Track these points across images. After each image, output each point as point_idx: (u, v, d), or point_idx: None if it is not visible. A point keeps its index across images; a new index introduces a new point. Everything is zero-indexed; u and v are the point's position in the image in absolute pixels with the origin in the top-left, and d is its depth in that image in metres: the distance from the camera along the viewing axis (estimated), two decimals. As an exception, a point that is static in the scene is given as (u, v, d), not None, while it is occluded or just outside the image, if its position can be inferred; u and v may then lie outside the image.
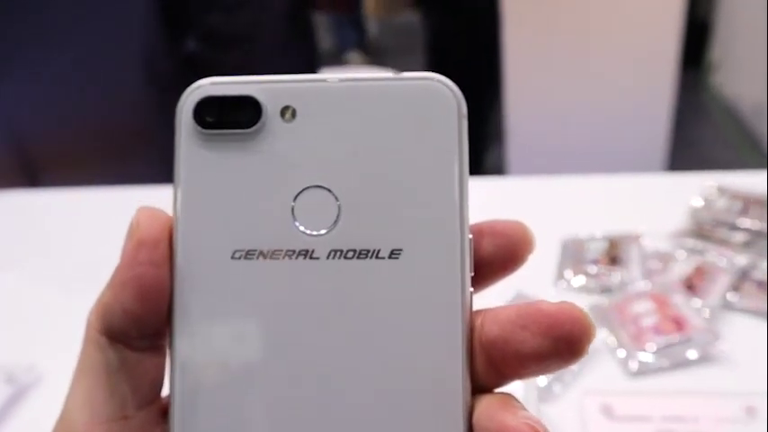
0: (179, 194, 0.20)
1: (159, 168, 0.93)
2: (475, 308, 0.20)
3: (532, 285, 0.60)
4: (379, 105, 0.20)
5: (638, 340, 0.54)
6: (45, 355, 0.63)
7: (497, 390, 0.19)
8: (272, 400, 0.19)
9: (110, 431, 0.19)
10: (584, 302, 0.60)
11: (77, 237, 0.79)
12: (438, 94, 0.20)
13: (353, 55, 3.27)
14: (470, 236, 0.20)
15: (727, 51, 2.25)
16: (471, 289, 0.19)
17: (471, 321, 0.19)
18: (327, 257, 0.19)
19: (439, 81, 0.20)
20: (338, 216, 0.19)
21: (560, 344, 0.18)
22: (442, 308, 0.19)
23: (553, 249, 0.66)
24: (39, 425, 0.58)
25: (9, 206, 0.86)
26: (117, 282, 0.19)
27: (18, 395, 0.60)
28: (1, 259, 0.77)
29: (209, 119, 0.20)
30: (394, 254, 0.19)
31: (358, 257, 0.19)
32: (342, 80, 0.20)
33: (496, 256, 0.20)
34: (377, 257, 0.19)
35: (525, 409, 0.18)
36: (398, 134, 0.19)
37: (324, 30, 3.25)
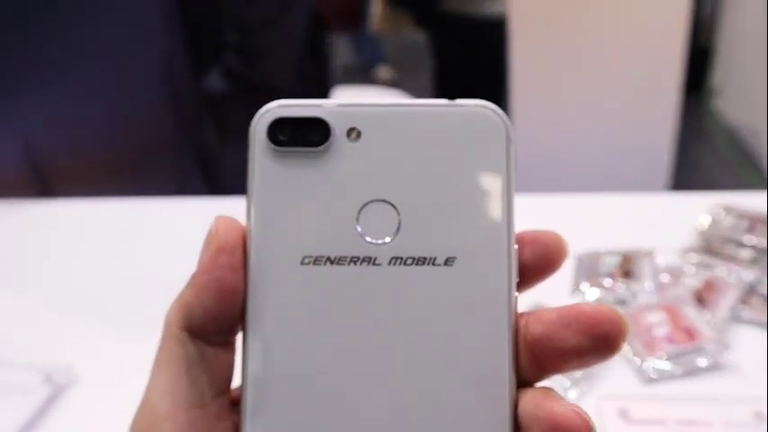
0: (253, 205, 0.22)
1: (174, 184, 0.95)
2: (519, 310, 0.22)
3: (550, 297, 0.63)
4: (436, 129, 0.22)
5: (651, 348, 0.56)
6: (82, 357, 0.65)
7: (539, 384, 0.22)
8: (335, 394, 0.21)
9: (190, 417, 0.21)
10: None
11: (113, 246, 0.82)
12: (489, 121, 0.22)
13: (381, 70, 3.31)
14: (516, 246, 0.22)
15: (727, 77, 2.30)
16: (517, 294, 0.22)
17: (516, 322, 0.21)
18: (389, 264, 0.21)
19: (490, 109, 0.22)
20: (398, 227, 0.22)
21: (599, 341, 0.20)
22: (491, 310, 0.21)
23: (569, 263, 0.69)
24: (75, 424, 0.61)
25: (42, 215, 0.89)
26: (198, 283, 0.21)
27: (55, 395, 0.63)
28: (41, 265, 0.80)
29: (281, 137, 0.22)
30: (449, 261, 0.21)
31: (416, 264, 0.21)
32: (403, 105, 0.22)
33: (535, 262, 0.22)
34: (433, 264, 0.21)
35: (566, 400, 0.20)
36: (453, 155, 0.22)
37: (347, 47, 3.29)
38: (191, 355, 0.22)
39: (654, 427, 0.50)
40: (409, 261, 0.21)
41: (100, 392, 0.61)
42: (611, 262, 0.67)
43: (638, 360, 0.57)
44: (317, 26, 1.55)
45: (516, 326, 0.21)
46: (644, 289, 0.63)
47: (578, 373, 0.56)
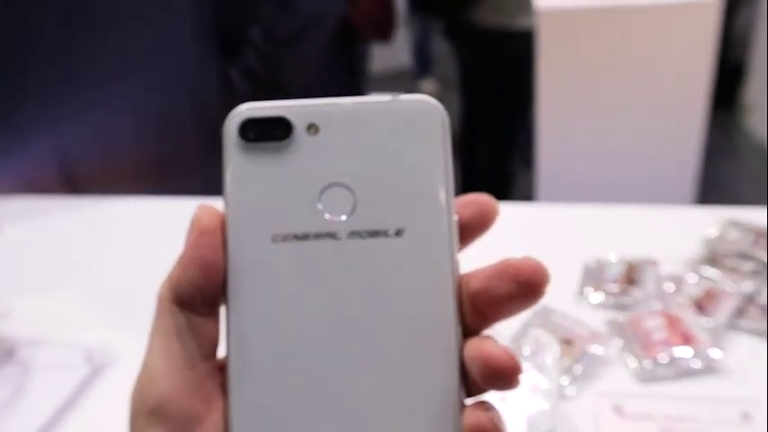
0: (228, 193, 0.25)
1: (204, 191, 0.97)
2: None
3: (556, 301, 0.67)
4: (383, 120, 0.25)
5: (648, 351, 0.60)
6: (120, 339, 0.70)
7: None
8: (306, 355, 0.24)
9: (183, 377, 0.24)
10: (601, 317, 0.66)
11: (148, 241, 0.88)
12: (427, 111, 0.25)
13: (426, 83, 3.33)
14: (456, 217, 0.25)
15: (760, 94, 2.29)
16: (458, 257, 0.25)
17: (459, 281, 0.25)
18: (347, 238, 0.25)
19: (427, 101, 0.26)
20: (354, 206, 0.25)
21: (525, 287, 0.23)
22: (437, 271, 0.25)
23: (576, 270, 0.72)
24: (113, 401, 0.65)
25: (87, 211, 0.94)
26: (185, 261, 0.25)
27: (95, 374, 0.68)
28: (89, 256, 0.86)
29: (250, 134, 0.25)
30: (399, 233, 0.25)
31: (371, 237, 0.25)
32: (353, 103, 0.25)
33: (472, 221, 0.26)
34: (386, 236, 0.25)
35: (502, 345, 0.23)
36: (398, 142, 0.25)
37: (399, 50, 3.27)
38: (181, 324, 0.25)
39: (645, 422, 0.54)
40: (365, 234, 0.25)
41: (136, 373, 0.66)
42: (617, 270, 0.70)
43: (635, 361, 0.60)
44: (349, 35, 1.59)
45: (459, 283, 0.25)
46: (646, 296, 0.66)
47: (577, 372, 0.60)
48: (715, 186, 1.92)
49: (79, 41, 0.88)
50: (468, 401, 0.24)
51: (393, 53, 3.15)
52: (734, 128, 2.41)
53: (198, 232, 0.25)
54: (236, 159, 0.25)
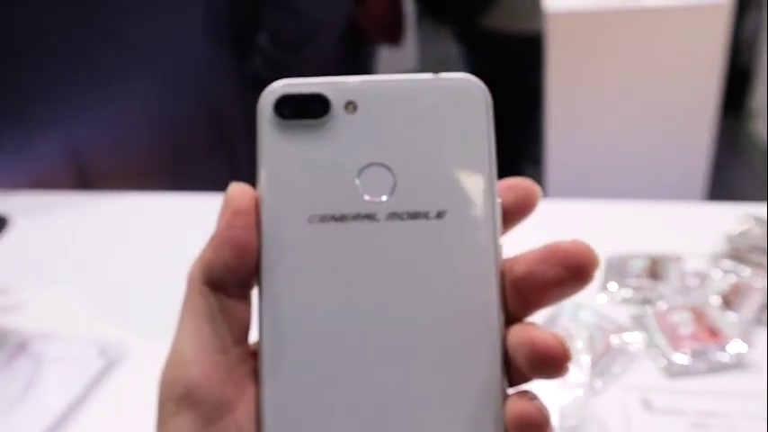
0: (263, 172, 0.24)
1: (213, 187, 0.97)
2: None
3: (579, 295, 0.65)
4: (424, 99, 0.24)
5: (675, 345, 0.59)
6: (134, 333, 0.69)
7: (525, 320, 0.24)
8: (343, 339, 0.23)
9: (214, 362, 0.23)
10: (626, 312, 0.65)
11: (160, 236, 0.87)
12: (470, 91, 0.25)
13: None
14: (499, 200, 0.24)
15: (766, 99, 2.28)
16: (501, 242, 0.24)
17: (502, 265, 0.24)
18: (386, 219, 0.24)
19: (471, 81, 0.25)
20: (394, 186, 0.24)
21: (573, 271, 0.22)
22: (480, 255, 0.24)
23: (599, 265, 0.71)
24: (125, 395, 0.65)
25: (101, 205, 0.94)
26: (217, 242, 0.24)
27: (108, 367, 0.67)
28: (104, 251, 0.85)
29: (286, 111, 0.24)
30: (440, 215, 0.24)
31: (411, 219, 0.24)
32: (393, 80, 0.24)
33: (514, 205, 0.25)
34: (426, 218, 0.24)
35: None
36: (440, 121, 0.24)
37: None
38: (212, 307, 0.24)
39: (675, 416, 0.52)
40: (405, 216, 0.24)
41: (150, 368, 0.64)
42: (640, 264, 0.69)
43: (662, 355, 0.59)
44: (357, 38, 1.59)
45: (502, 268, 0.24)
46: (670, 290, 0.65)
47: (604, 366, 0.58)
48: (723, 190, 1.91)
49: (92, 38, 0.89)
50: (510, 391, 0.23)
51: (401, 56, 3.14)
52: (741, 132, 2.41)
53: (231, 212, 0.24)
54: (270, 137, 0.24)
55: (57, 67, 0.90)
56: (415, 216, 0.24)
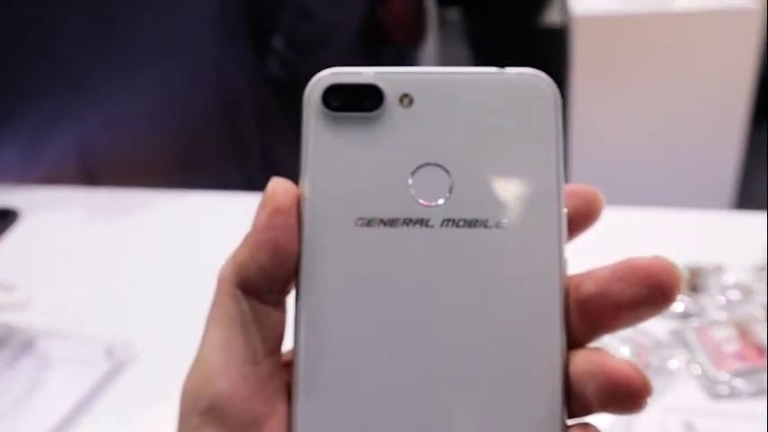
0: (308, 168, 0.22)
1: (225, 184, 0.96)
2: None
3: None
4: (486, 95, 0.22)
5: (719, 364, 0.55)
6: (143, 335, 0.67)
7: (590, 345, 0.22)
8: (387, 355, 0.21)
9: (244, 374, 0.21)
10: (664, 326, 0.61)
11: (170, 234, 0.85)
12: (539, 88, 0.22)
13: None
14: (565, 210, 0.22)
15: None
16: (566, 256, 0.22)
17: (566, 283, 0.21)
18: (441, 226, 0.22)
19: (539, 77, 0.22)
20: (450, 190, 0.22)
21: (655, 290, 0.20)
22: (542, 271, 0.21)
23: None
24: (133, 398, 0.62)
25: (110, 204, 0.92)
26: (254, 242, 0.22)
27: (116, 369, 0.64)
28: (114, 249, 0.83)
29: (335, 103, 0.22)
30: (500, 224, 0.21)
31: (468, 226, 0.22)
32: (454, 73, 0.23)
33: (577, 214, 0.23)
34: (485, 227, 0.21)
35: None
36: (504, 120, 0.22)
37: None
38: (245, 313, 0.22)
39: (721, 442, 0.48)
40: (461, 223, 0.22)
41: (158, 370, 0.62)
42: (679, 275, 0.65)
43: (705, 375, 0.55)
44: (379, 40, 1.57)
45: (566, 287, 0.21)
46: (713, 304, 0.61)
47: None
48: (752, 200, 1.86)
49: (103, 35, 0.88)
50: (570, 422, 0.21)
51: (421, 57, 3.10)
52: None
53: (271, 210, 0.22)
54: (317, 131, 0.22)
55: (69, 64, 0.89)
56: (472, 223, 0.22)
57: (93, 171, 0.95)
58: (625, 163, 1.57)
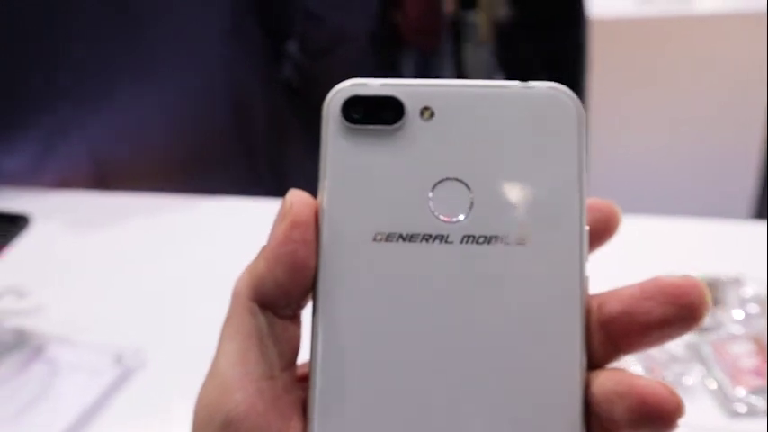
0: (327, 181, 0.22)
1: (237, 189, 0.96)
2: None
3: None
4: (508, 109, 0.22)
5: (736, 380, 0.53)
6: (152, 342, 0.67)
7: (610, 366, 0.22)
8: (405, 373, 0.21)
9: (260, 388, 0.21)
10: (679, 340, 0.60)
11: (182, 240, 0.85)
12: (562, 103, 0.22)
13: None
14: (587, 228, 0.22)
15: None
16: (588, 274, 0.21)
17: (588, 303, 0.21)
18: (461, 242, 0.21)
19: (562, 91, 0.22)
20: (471, 206, 0.22)
21: (685, 310, 0.20)
22: (563, 290, 0.21)
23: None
24: (141, 406, 0.62)
25: (121, 209, 0.92)
26: (271, 256, 0.21)
27: (124, 376, 0.64)
28: (121, 255, 0.83)
29: (355, 115, 0.22)
30: (521, 240, 0.21)
31: (488, 243, 0.21)
32: (476, 86, 0.22)
33: (595, 228, 0.23)
34: (505, 243, 0.21)
35: None
36: (526, 135, 0.22)
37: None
38: (261, 327, 0.22)
39: (738, 462, 0.47)
40: (481, 240, 0.21)
41: (167, 377, 0.62)
42: (695, 287, 0.63)
43: (721, 391, 0.53)
44: (397, 43, 1.56)
45: (588, 307, 0.21)
46: (731, 318, 0.60)
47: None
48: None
49: (115, 42, 0.88)
50: None
51: (437, 63, 3.08)
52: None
53: (290, 224, 0.21)
54: (336, 143, 0.22)
55: (82, 72, 0.89)
56: (492, 240, 0.21)
57: (105, 176, 0.96)
58: (642, 168, 1.56)
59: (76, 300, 0.74)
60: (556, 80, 0.22)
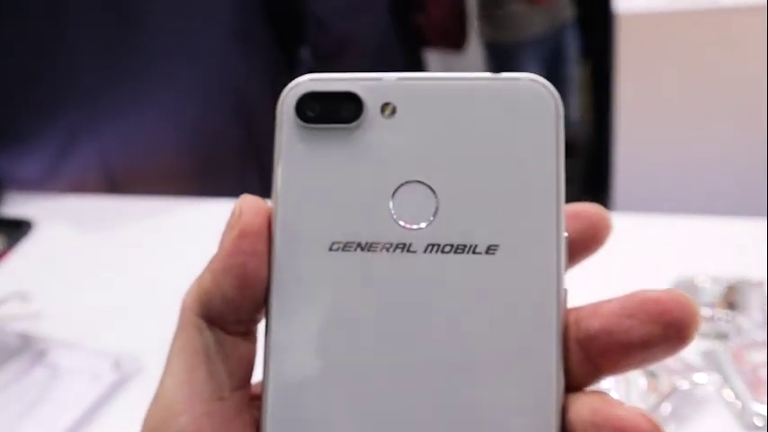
0: (279, 186, 0.20)
1: (244, 193, 0.96)
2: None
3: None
4: (477, 104, 0.20)
5: (756, 391, 0.50)
6: (150, 348, 0.66)
7: (589, 388, 0.20)
8: (363, 394, 0.19)
9: (208, 410, 0.20)
10: (695, 347, 0.56)
11: (189, 243, 0.84)
12: (536, 94, 0.20)
13: None
14: (566, 234, 0.20)
15: None
16: (566, 287, 0.19)
17: (565, 318, 0.19)
18: (425, 252, 0.20)
19: (537, 81, 0.20)
20: (436, 211, 0.20)
21: (670, 329, 0.18)
22: (537, 305, 0.19)
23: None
24: (138, 411, 0.61)
25: (128, 213, 0.92)
26: (218, 268, 0.20)
27: (122, 382, 0.64)
28: (121, 259, 0.83)
29: (310, 113, 0.20)
30: (491, 249, 0.19)
31: (455, 252, 0.19)
32: (441, 79, 0.20)
33: (580, 238, 0.21)
34: (474, 252, 0.19)
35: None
36: (497, 132, 0.20)
37: None
38: (209, 344, 0.20)
39: (754, 480, 0.44)
40: (447, 249, 0.19)
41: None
42: (714, 290, 0.60)
43: (739, 403, 0.50)
44: (419, 43, 1.54)
45: (565, 323, 0.19)
46: (752, 323, 0.56)
47: (666, 411, 0.50)
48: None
49: (124, 49, 0.89)
50: None
51: (464, 65, 3.04)
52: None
53: (238, 233, 0.20)
54: (290, 145, 0.21)
55: (92, 79, 0.90)
56: (460, 249, 0.20)
57: (115, 181, 0.97)
58: (669, 165, 1.51)
59: (80, 304, 0.74)
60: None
